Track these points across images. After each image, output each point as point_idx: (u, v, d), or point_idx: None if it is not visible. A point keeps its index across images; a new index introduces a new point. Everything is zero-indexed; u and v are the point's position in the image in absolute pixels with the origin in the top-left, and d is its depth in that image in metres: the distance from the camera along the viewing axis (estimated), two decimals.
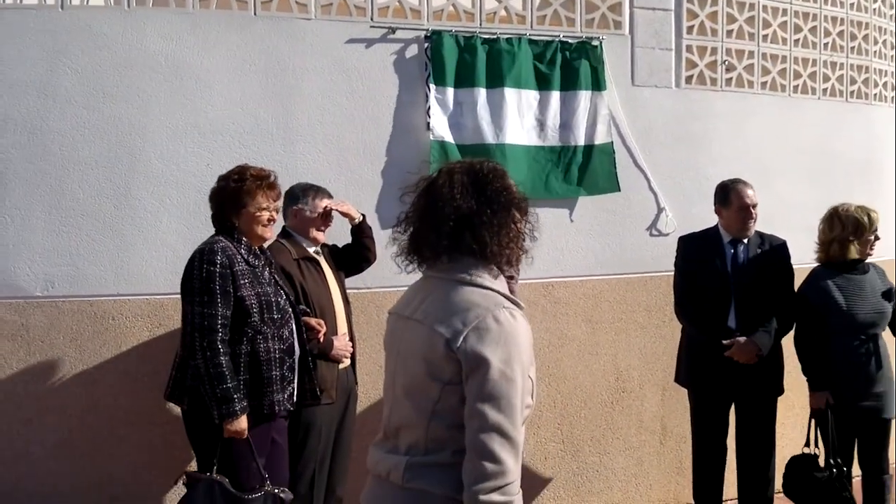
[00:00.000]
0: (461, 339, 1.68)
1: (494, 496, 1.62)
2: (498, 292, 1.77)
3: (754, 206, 3.90)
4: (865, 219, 3.82)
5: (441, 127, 4.07)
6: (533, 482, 4.42)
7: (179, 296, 3.07)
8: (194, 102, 3.75)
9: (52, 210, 3.59)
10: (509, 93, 4.22)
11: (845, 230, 3.83)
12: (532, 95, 4.31)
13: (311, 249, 3.57)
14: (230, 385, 2.86)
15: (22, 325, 3.58)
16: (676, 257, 4.10)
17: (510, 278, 1.86)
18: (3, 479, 3.54)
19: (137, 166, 3.67)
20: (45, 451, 3.59)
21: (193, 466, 3.29)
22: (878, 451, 3.84)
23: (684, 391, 4.20)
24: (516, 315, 1.74)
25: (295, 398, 3.15)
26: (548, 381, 4.46)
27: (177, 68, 3.72)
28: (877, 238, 3.88)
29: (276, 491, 2.94)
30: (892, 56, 5.70)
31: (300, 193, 3.57)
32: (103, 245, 3.64)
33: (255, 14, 3.84)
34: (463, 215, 1.76)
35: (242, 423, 2.89)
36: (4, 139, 3.54)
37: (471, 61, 4.15)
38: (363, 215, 3.68)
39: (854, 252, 3.83)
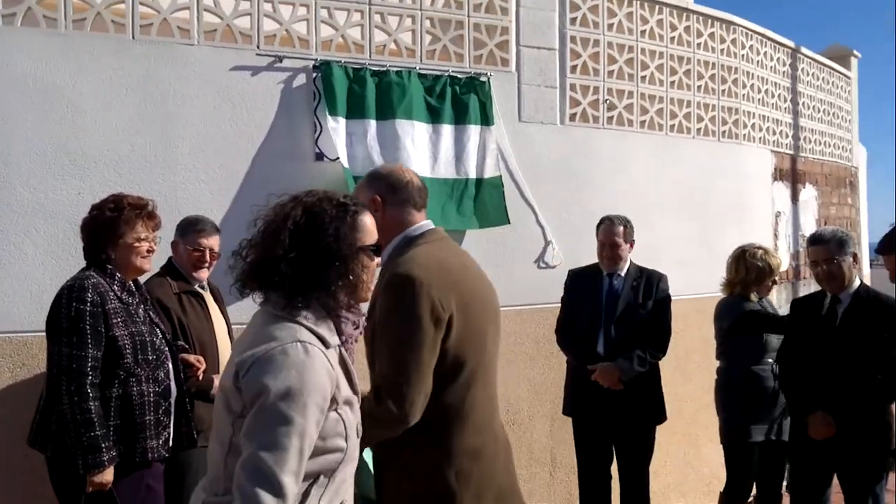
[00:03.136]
0: (245, 369, 1.58)
1: None
2: (304, 325, 1.67)
3: (613, 246, 4.09)
4: (767, 268, 4.10)
5: (343, 156, 4.01)
6: None
7: (45, 335, 2.86)
8: (65, 127, 3.54)
9: None
10: (401, 124, 4.21)
11: (749, 275, 4.11)
12: (424, 128, 4.33)
13: (196, 284, 3.42)
14: (98, 433, 2.66)
15: None
16: (564, 290, 4.26)
17: (356, 327, 1.77)
18: None
19: (1, 194, 3.42)
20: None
21: None
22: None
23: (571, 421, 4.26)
24: (310, 350, 1.61)
25: (171, 443, 2.96)
26: None
27: (46, 91, 3.51)
28: (774, 283, 4.20)
29: None
30: (758, 99, 6.07)
31: (183, 228, 3.43)
32: None
33: (133, 38, 3.69)
34: (270, 259, 1.68)
35: (108, 475, 2.69)
36: None
37: (360, 92, 4.13)
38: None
39: (753, 296, 4.13)
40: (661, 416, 4.12)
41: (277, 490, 1.48)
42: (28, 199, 3.47)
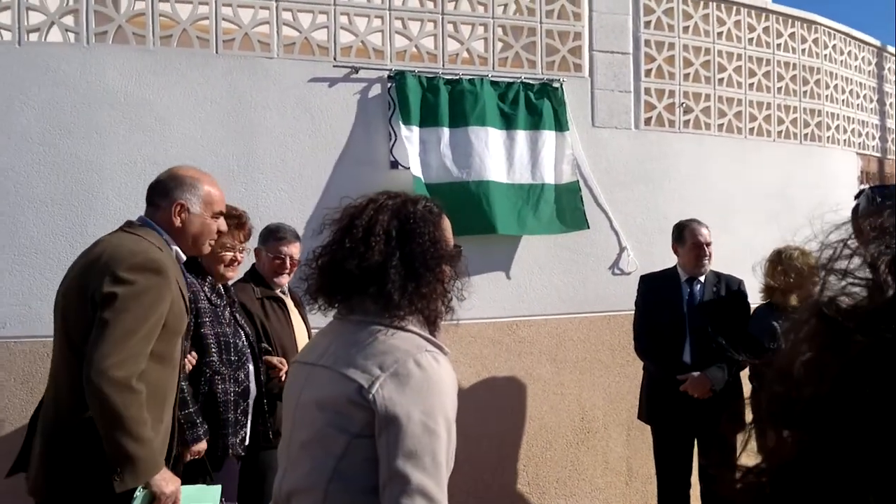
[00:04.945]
0: (377, 385, 1.46)
1: None
2: (419, 335, 1.57)
3: (707, 245, 3.99)
4: (806, 269, 3.87)
5: (415, 164, 4.08)
6: None
7: None
8: (154, 139, 3.71)
9: (5, 248, 3.50)
10: (474, 131, 4.25)
11: (787, 278, 3.91)
12: (498, 134, 4.35)
13: (278, 289, 3.51)
14: (192, 410, 2.80)
15: None
16: (637, 295, 4.17)
17: (431, 326, 1.65)
18: None
19: (94, 204, 3.60)
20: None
21: None
22: None
23: (649, 430, 4.19)
24: (440, 360, 1.54)
25: (247, 442, 3.07)
26: (513, 420, 4.42)
27: (136, 105, 3.68)
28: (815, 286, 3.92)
29: None
30: (843, 100, 5.87)
31: (265, 236, 3.53)
32: (58, 284, 3.54)
33: (216, 52, 3.84)
34: (372, 266, 1.56)
35: (203, 444, 2.83)
36: None
37: (434, 101, 4.18)
38: None
39: (794, 300, 3.89)
40: (742, 424, 4.01)
41: None
42: (120, 207, 3.64)
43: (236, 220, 3.05)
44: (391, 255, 1.57)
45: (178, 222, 2.44)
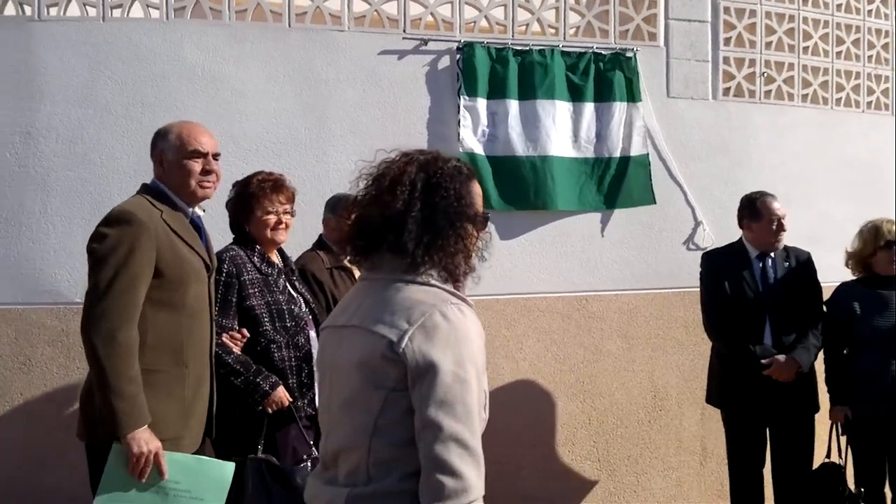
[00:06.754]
0: (406, 339, 1.50)
1: None
2: (443, 289, 1.60)
3: (784, 218, 3.81)
4: (876, 231, 3.73)
5: (470, 139, 4.09)
6: (567, 501, 4.33)
7: None
8: (230, 113, 3.82)
9: (93, 217, 3.61)
10: (542, 104, 4.21)
11: (865, 246, 3.79)
12: (565, 107, 4.30)
13: (346, 259, 3.55)
14: (247, 375, 2.84)
15: (62, 331, 3.65)
16: (701, 273, 3.97)
17: (455, 282, 1.67)
18: (44, 482, 3.59)
19: None
20: (82, 456, 3.61)
21: None
22: None
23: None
24: (465, 311, 1.57)
25: (317, 403, 3.11)
26: (582, 397, 4.38)
27: (213, 79, 3.80)
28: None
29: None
30: None
31: (332, 205, 3.59)
32: None
33: (289, 26, 3.92)
34: (393, 215, 1.60)
35: (279, 393, 2.87)
36: (46, 148, 3.65)
37: (503, 73, 4.16)
38: None
39: (876, 267, 3.75)
40: (816, 406, 3.85)
41: (474, 454, 1.49)
42: None
43: (272, 182, 3.08)
44: (412, 205, 1.60)
45: (161, 172, 2.64)
